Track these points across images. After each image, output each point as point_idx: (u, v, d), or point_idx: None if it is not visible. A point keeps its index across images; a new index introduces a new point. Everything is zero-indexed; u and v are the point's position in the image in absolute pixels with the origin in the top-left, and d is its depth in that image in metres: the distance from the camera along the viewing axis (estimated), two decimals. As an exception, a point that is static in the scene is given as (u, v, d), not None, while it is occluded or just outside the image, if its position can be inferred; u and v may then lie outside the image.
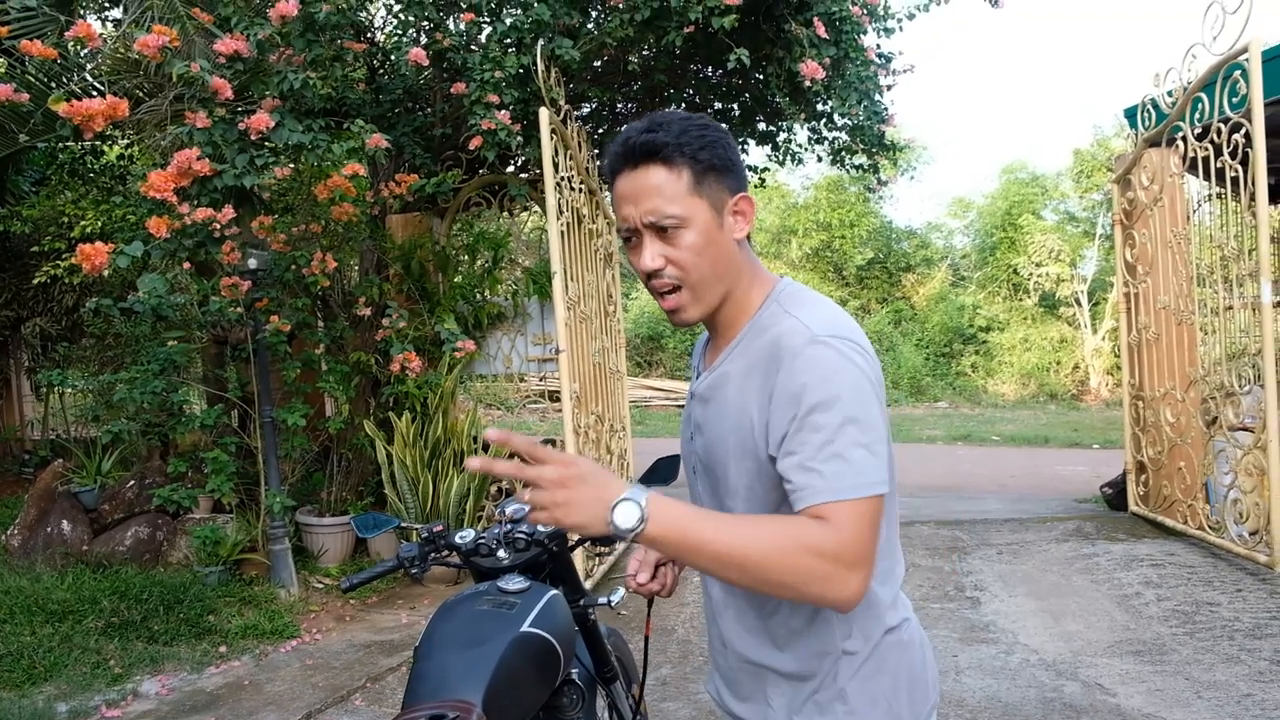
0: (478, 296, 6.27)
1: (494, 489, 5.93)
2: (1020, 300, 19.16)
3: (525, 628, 1.87)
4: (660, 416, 16.08)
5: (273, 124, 4.32)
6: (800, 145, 7.56)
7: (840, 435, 1.16)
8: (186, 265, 4.57)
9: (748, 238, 1.38)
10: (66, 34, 3.89)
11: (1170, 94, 5.73)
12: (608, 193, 1.53)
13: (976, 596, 4.93)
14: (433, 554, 2.22)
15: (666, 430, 13.87)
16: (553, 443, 6.39)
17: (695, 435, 1.43)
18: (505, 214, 6.72)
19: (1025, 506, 7.51)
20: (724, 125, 1.38)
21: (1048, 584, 5.11)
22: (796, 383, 1.20)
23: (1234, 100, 5.01)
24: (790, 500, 1.20)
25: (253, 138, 4.37)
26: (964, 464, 10.09)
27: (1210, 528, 5.62)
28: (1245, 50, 4.85)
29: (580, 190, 5.29)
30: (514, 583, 2.00)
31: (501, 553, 2.14)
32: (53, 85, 5.33)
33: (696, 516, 1.16)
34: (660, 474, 2.19)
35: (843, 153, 7.24)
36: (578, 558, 4.78)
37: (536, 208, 6.66)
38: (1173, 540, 5.87)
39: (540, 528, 2.16)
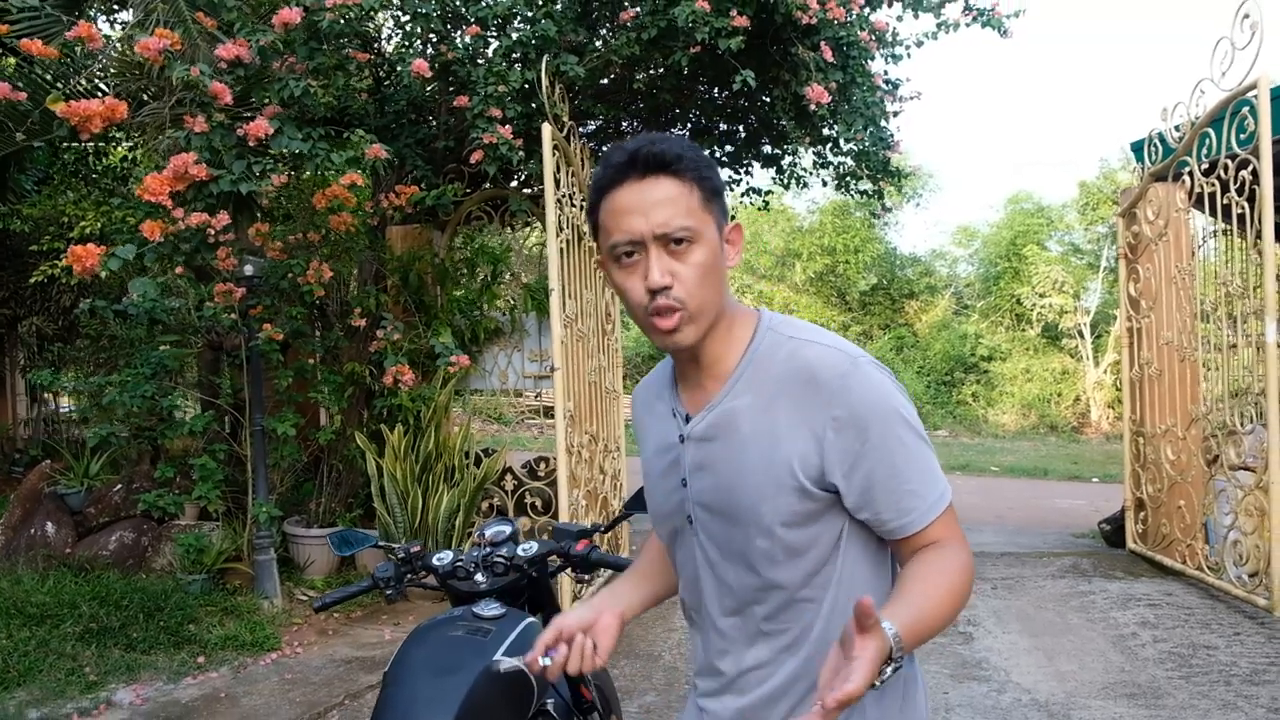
0: (475, 311, 6.23)
1: (485, 505, 5.87)
2: (1023, 331, 19.13)
3: (498, 656, 1.82)
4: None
5: (271, 131, 4.29)
6: (805, 169, 7.53)
7: (918, 452, 1.24)
8: (179, 270, 4.54)
9: None
10: (67, 35, 3.86)
11: (1178, 129, 5.70)
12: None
13: (969, 632, 4.85)
14: (409, 575, 2.16)
15: (664, 450, 13.79)
16: (546, 460, 6.33)
17: (695, 478, 1.34)
18: (507, 229, 6.69)
19: (1022, 540, 7.42)
20: (728, 147, 1.37)
21: (1042, 621, 5.03)
22: (857, 409, 1.21)
23: (1241, 137, 4.97)
24: (886, 527, 1.25)
25: (251, 144, 4.34)
26: (961, 494, 9.92)
27: (1209, 568, 5.54)
28: (1254, 87, 4.82)
29: (581, 207, 5.26)
30: (490, 609, 1.94)
31: (479, 576, 2.09)
32: (58, 85, 5.31)
33: (908, 611, 1.17)
34: (643, 502, 2.13)
35: (848, 178, 7.22)
36: (566, 581, 4.71)
37: (538, 223, 6.62)
38: (1170, 580, 5.79)
39: (520, 551, 2.11)
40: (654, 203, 1.23)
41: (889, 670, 1.07)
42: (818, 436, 1.22)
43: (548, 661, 1.39)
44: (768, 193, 8.17)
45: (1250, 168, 4.90)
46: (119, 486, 5.93)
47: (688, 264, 1.24)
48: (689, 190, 1.25)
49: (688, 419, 1.35)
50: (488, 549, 2.13)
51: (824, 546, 1.28)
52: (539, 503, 5.80)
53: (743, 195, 7.93)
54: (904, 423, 1.23)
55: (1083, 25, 50.04)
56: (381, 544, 2.31)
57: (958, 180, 37.85)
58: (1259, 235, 4.93)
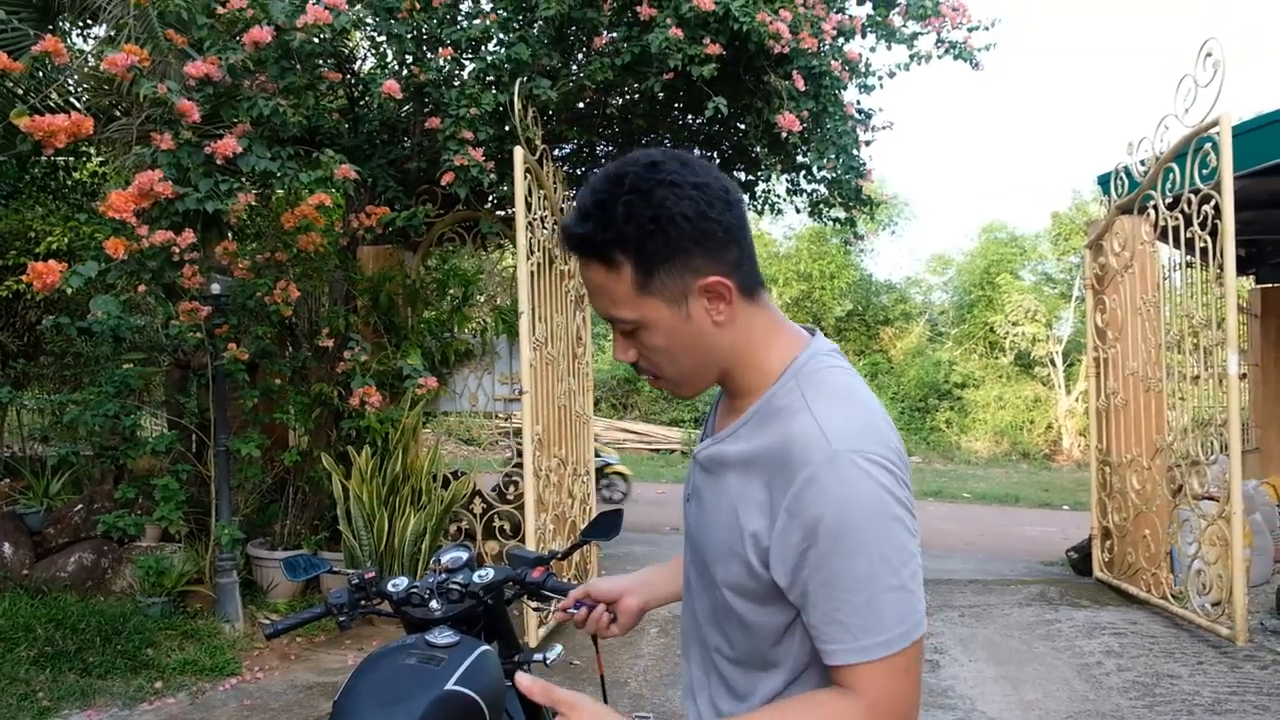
0: (446, 333, 6.20)
1: (454, 529, 5.81)
2: (996, 358, 19.30)
3: (450, 686, 1.79)
4: (633, 460, 15.95)
5: (240, 149, 4.27)
6: (779, 196, 7.59)
7: (866, 584, 1.03)
8: (141, 289, 4.48)
9: (753, 296, 1.17)
10: (33, 49, 3.84)
11: (1143, 163, 5.79)
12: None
13: (936, 660, 4.84)
14: (363, 601, 2.13)
15: (638, 473, 13.75)
16: (515, 483, 6.28)
17: (692, 499, 1.28)
18: (480, 251, 6.68)
19: (990, 567, 7.45)
20: (706, 171, 1.12)
21: (1008, 649, 5.04)
22: (812, 510, 1.04)
23: (1204, 172, 5.06)
24: (817, 645, 1.10)
25: (219, 162, 4.31)
26: (933, 520, 10.04)
27: (1173, 597, 5.58)
28: (1216, 124, 4.91)
29: (553, 231, 5.26)
30: (443, 636, 1.91)
31: (434, 604, 2.05)
32: (29, 99, 5.26)
33: None
34: (600, 529, 2.12)
35: (820, 205, 7.27)
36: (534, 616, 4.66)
37: (511, 245, 6.62)
38: (1135, 609, 5.82)
39: (476, 578, 2.08)
40: (592, 289, 1.15)
41: None
42: (772, 519, 1.09)
43: (575, 614, 1.69)
44: (742, 218, 8.20)
45: (1212, 203, 4.99)
46: (80, 507, 5.82)
47: (644, 346, 1.16)
48: (618, 274, 1.10)
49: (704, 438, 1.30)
50: (443, 575, 2.10)
51: (773, 629, 1.16)
52: (508, 526, 5.75)
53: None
54: (862, 545, 1.03)
55: (1056, 49, 50.94)
56: (336, 570, 2.28)
57: (933, 208, 38.36)
58: (1221, 269, 5.01)
